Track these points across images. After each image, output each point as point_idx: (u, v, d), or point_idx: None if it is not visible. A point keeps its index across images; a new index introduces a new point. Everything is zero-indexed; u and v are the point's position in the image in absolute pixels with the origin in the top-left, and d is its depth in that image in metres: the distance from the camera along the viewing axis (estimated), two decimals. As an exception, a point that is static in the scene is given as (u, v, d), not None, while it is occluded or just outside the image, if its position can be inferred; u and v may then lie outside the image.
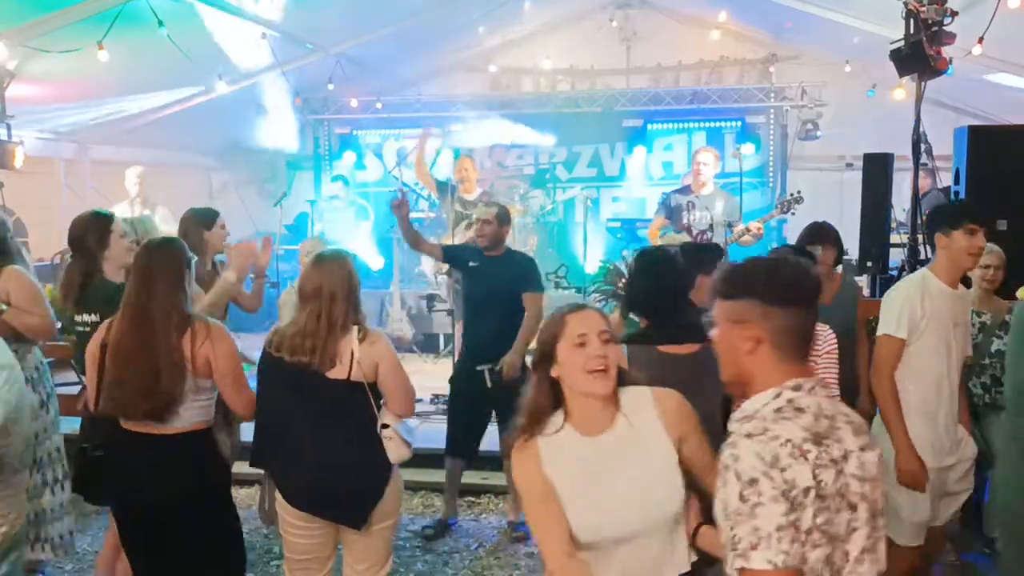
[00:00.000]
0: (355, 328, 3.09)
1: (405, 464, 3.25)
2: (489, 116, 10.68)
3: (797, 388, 1.80)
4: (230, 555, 3.23)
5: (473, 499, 5.52)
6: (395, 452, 3.14)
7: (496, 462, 5.26)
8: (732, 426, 1.79)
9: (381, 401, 3.18)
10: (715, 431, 2.91)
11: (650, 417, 2.27)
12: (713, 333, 1.91)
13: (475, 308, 5.13)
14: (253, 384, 3.20)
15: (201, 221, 4.61)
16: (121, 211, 7.76)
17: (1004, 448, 3.31)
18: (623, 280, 4.92)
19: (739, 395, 1.92)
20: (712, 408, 2.96)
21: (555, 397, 2.26)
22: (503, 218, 4.98)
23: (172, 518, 3.02)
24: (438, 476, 5.39)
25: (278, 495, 3.17)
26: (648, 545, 2.20)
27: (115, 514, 3.27)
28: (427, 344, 9.21)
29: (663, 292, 3.01)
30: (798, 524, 1.64)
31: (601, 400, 2.22)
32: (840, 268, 4.69)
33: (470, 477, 5.40)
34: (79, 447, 3.38)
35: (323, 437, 3.10)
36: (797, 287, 1.87)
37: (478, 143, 10.85)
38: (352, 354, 3.04)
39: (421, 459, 5.79)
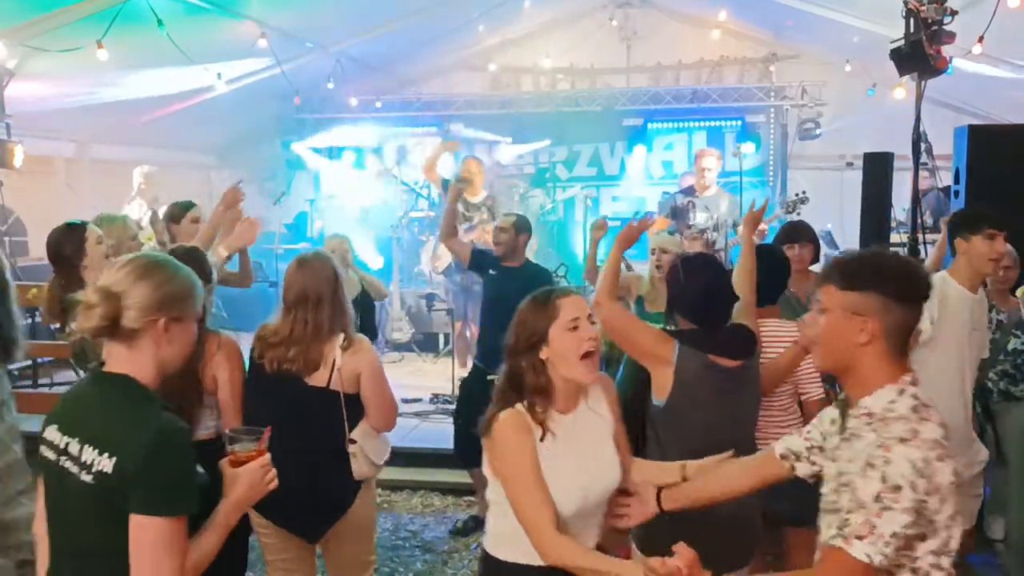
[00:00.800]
0: (340, 335, 3.02)
1: (407, 464, 3.24)
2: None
3: (915, 383, 1.87)
4: (233, 561, 3.14)
5: (472, 499, 5.53)
6: (358, 469, 3.06)
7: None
8: (857, 424, 1.86)
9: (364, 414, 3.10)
10: (749, 437, 2.94)
11: (601, 401, 2.40)
12: (820, 320, 1.95)
13: (490, 317, 5.09)
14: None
15: (167, 216, 4.56)
16: (127, 211, 7.79)
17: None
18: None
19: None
20: (750, 416, 3.02)
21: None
22: (520, 227, 4.95)
23: None
24: (438, 475, 5.41)
25: None
26: (596, 516, 2.34)
27: None
28: (426, 343, 9.21)
29: (715, 298, 3.00)
30: (910, 535, 1.71)
31: (582, 384, 2.30)
32: (817, 266, 4.69)
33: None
34: None
35: (292, 445, 2.96)
36: (922, 285, 1.94)
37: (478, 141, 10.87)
38: (334, 362, 2.98)
39: (421, 459, 5.83)
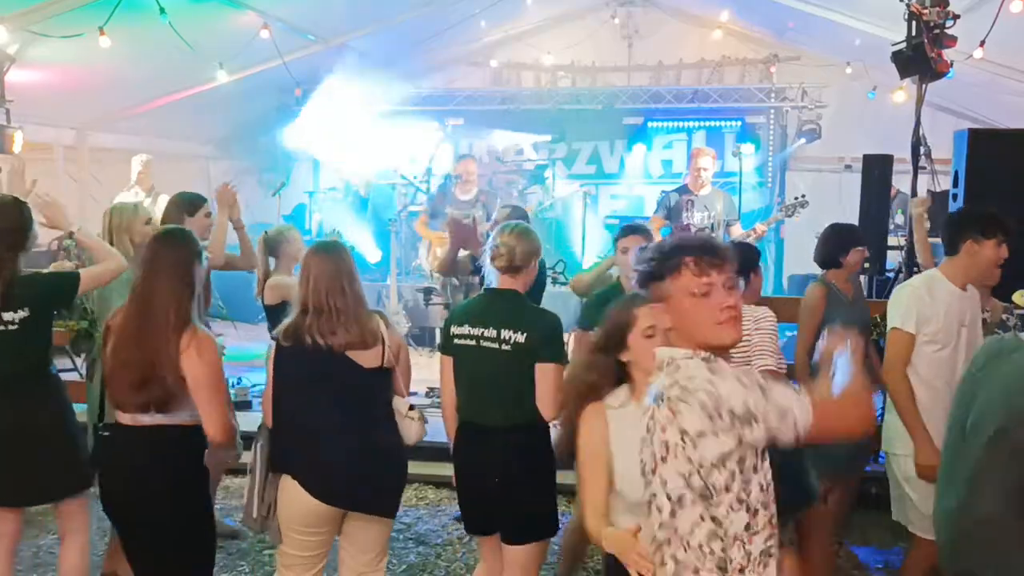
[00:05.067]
0: (377, 313, 3.14)
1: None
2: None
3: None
4: (202, 549, 3.15)
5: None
6: (416, 432, 3.20)
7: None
8: None
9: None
10: None
11: None
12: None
13: None
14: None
15: (183, 206, 4.55)
16: (123, 199, 7.78)
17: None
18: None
19: None
20: None
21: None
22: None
23: (148, 510, 2.97)
24: (432, 468, 5.40)
25: (291, 496, 3.07)
26: None
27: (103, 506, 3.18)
28: (423, 338, 9.21)
29: None
30: None
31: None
32: None
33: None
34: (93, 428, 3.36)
35: (353, 426, 3.06)
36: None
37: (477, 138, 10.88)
38: (383, 339, 3.09)
39: (415, 451, 5.83)
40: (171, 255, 3.00)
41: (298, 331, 3.06)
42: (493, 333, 3.19)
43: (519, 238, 3.29)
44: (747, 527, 1.96)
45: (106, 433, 3.10)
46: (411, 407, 3.19)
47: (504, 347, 3.18)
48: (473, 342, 3.25)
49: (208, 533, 3.18)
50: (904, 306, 3.56)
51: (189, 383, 2.89)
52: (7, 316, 3.38)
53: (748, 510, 1.96)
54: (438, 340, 8.87)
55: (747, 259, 3.54)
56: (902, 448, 3.55)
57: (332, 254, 3.15)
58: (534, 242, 3.34)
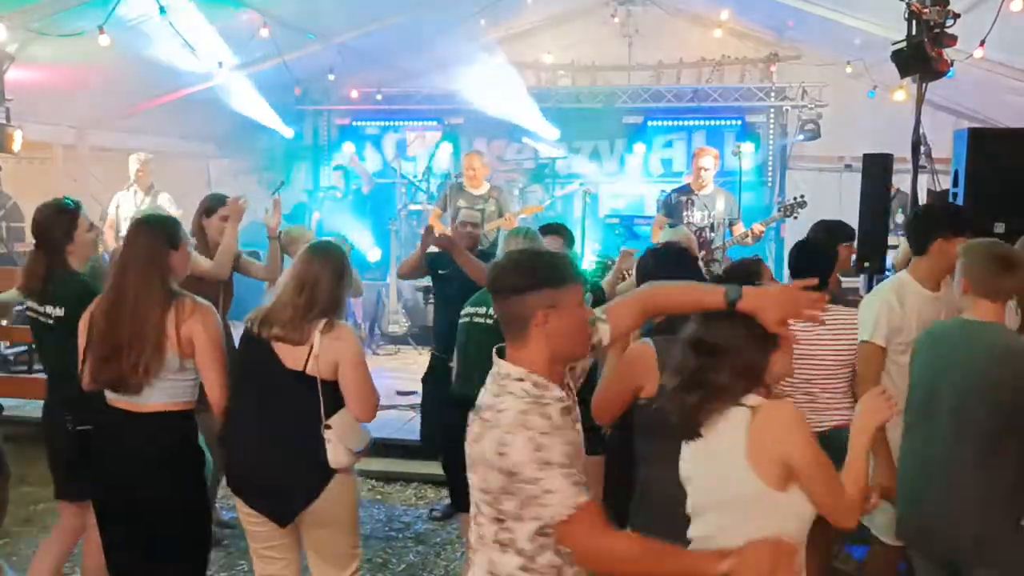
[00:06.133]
0: (323, 320, 3.01)
1: (401, 456, 3.25)
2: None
3: None
4: (200, 536, 3.20)
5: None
6: (332, 456, 3.02)
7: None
8: None
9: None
10: None
11: None
12: None
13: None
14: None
15: (203, 206, 4.62)
16: (121, 197, 7.77)
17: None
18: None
19: None
20: None
21: None
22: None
23: (146, 496, 3.00)
24: (432, 468, 5.40)
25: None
26: None
27: (95, 498, 3.22)
28: (423, 337, 9.20)
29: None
30: None
31: None
32: None
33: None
34: (67, 424, 3.35)
35: (266, 425, 3.04)
36: None
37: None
38: (312, 347, 2.99)
39: (415, 451, 5.84)
40: (141, 237, 3.09)
41: (253, 318, 3.11)
42: (483, 310, 3.73)
43: (529, 243, 3.60)
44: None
45: (87, 427, 3.15)
46: (327, 427, 3.01)
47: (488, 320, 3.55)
48: (467, 319, 3.84)
49: (201, 519, 3.20)
50: (873, 315, 3.43)
51: (198, 348, 2.99)
52: (47, 310, 3.52)
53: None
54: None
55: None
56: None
57: (312, 257, 3.12)
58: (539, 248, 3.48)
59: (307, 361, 2.99)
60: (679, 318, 2.80)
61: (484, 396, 2.08)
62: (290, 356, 3.00)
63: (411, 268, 5.35)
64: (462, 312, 3.94)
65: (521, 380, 2.03)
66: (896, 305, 3.42)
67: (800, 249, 3.71)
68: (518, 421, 1.96)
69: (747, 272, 3.43)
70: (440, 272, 5.13)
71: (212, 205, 4.64)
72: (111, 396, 3.06)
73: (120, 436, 3.06)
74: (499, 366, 2.10)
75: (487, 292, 3.06)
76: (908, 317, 3.41)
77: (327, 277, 3.06)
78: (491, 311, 3.37)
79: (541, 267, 2.12)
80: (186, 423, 3.12)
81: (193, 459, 3.16)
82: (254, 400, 3.07)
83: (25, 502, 5.04)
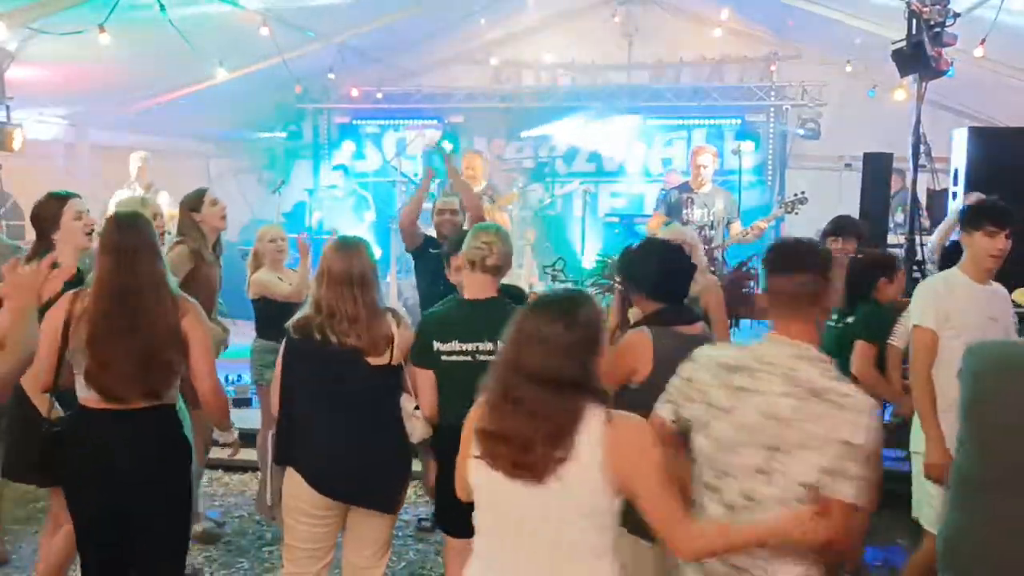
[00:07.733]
0: (389, 312, 3.16)
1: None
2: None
3: None
4: (185, 534, 3.20)
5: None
6: (421, 431, 3.18)
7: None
8: None
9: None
10: None
11: None
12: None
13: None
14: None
15: (187, 204, 4.54)
16: (121, 195, 7.75)
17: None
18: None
19: None
20: None
21: None
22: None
23: (139, 494, 2.91)
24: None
25: (295, 486, 3.11)
26: None
27: (72, 497, 3.03)
28: (423, 335, 9.20)
29: (678, 276, 3.20)
30: None
31: None
32: None
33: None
34: (40, 425, 3.11)
35: (359, 423, 3.11)
36: None
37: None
38: (392, 339, 3.10)
39: (413, 449, 5.83)
40: (142, 237, 2.99)
41: (308, 326, 3.09)
42: (490, 347, 3.08)
43: (501, 237, 3.26)
44: None
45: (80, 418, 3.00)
46: (416, 407, 3.19)
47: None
48: (468, 358, 3.18)
49: (187, 517, 3.20)
50: (922, 302, 3.61)
51: (193, 345, 2.96)
52: None
53: None
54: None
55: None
56: (923, 446, 3.55)
57: (350, 252, 3.14)
58: (510, 243, 3.34)
59: (392, 354, 3.10)
60: (673, 312, 3.09)
61: (799, 374, 2.17)
62: (373, 351, 3.09)
63: (412, 214, 5.24)
64: (440, 347, 3.21)
65: (824, 362, 2.22)
66: (943, 291, 3.59)
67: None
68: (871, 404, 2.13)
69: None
70: (431, 251, 5.01)
71: (194, 199, 4.56)
72: (89, 396, 2.91)
73: (114, 437, 2.91)
74: (798, 348, 2.22)
75: (471, 319, 3.19)
76: (957, 303, 3.55)
77: (371, 268, 3.16)
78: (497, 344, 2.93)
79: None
80: (176, 417, 3.04)
81: (185, 452, 3.09)
82: (339, 402, 3.11)
83: (25, 501, 5.04)
